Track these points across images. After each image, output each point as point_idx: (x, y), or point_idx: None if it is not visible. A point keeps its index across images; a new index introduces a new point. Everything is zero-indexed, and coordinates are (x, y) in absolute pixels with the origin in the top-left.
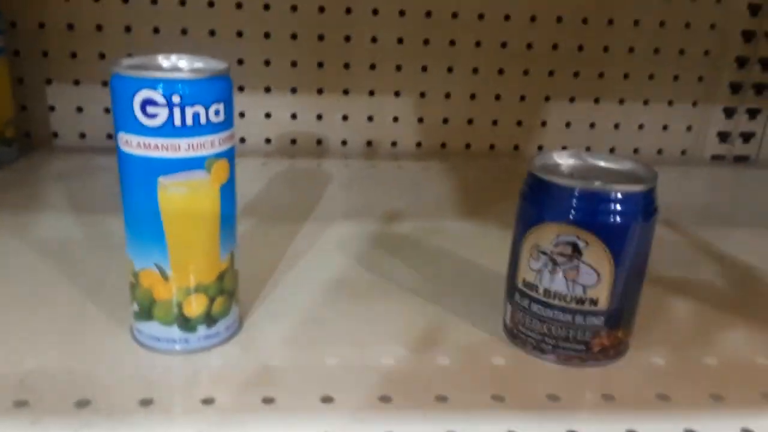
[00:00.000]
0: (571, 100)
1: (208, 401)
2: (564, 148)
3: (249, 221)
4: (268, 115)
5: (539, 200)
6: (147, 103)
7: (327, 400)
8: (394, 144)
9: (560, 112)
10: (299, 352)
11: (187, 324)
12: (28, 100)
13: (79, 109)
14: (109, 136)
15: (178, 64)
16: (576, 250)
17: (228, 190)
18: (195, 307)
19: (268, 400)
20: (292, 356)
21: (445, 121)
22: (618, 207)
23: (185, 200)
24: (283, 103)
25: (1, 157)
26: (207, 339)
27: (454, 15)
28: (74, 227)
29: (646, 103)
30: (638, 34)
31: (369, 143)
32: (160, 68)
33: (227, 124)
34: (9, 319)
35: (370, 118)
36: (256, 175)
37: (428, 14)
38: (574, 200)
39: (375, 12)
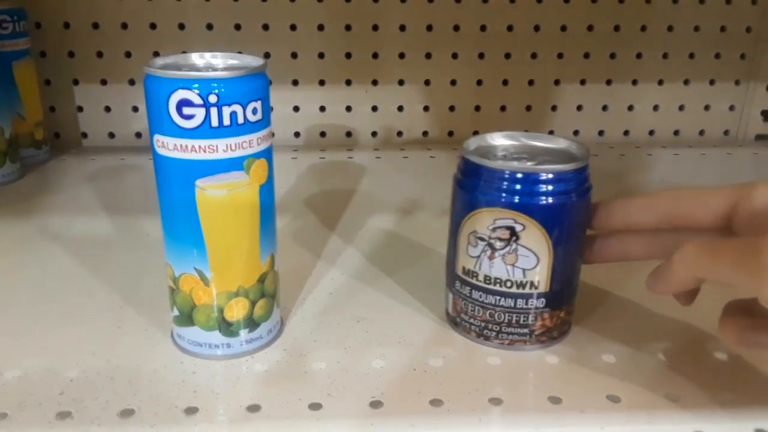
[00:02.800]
0: (608, 82)
1: (253, 408)
2: (498, 130)
3: (283, 218)
4: (296, 109)
5: (473, 185)
6: (183, 103)
7: (376, 404)
8: (425, 134)
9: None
10: (344, 354)
11: (228, 328)
12: (57, 101)
13: (107, 109)
14: (138, 135)
15: (213, 62)
16: (513, 234)
17: (267, 191)
18: (236, 311)
19: (315, 406)
20: (337, 359)
21: (477, 108)
22: (550, 187)
23: (225, 203)
24: (312, 95)
25: (32, 159)
26: (249, 343)
27: (485, 0)
28: (109, 229)
29: (686, 83)
30: (678, 13)
31: (399, 133)
32: (194, 67)
33: (265, 122)
34: (47, 326)
35: (400, 108)
36: (286, 170)
37: (458, 0)
38: (507, 183)
39: (403, 0)
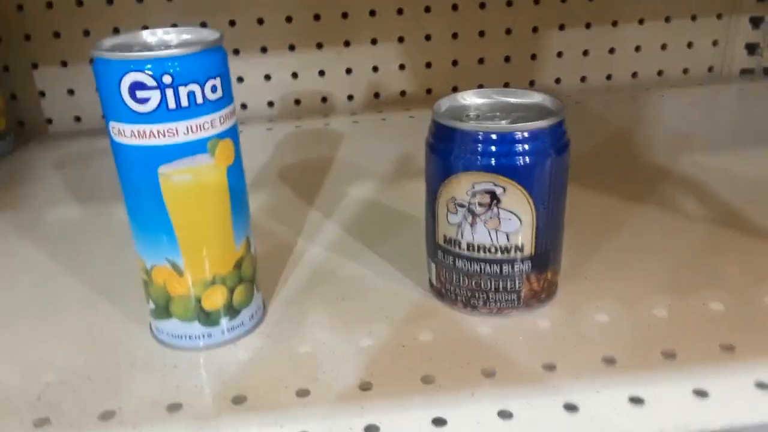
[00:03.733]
0: (587, 26)
1: (238, 399)
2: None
3: (259, 195)
4: (267, 77)
5: (448, 149)
6: (136, 86)
7: (366, 386)
8: (402, 93)
9: (574, 40)
10: (330, 335)
11: (208, 318)
12: (17, 87)
13: (71, 92)
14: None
15: (165, 38)
16: (494, 198)
17: (236, 171)
18: (214, 299)
19: (302, 393)
20: (323, 340)
21: (455, 63)
22: (528, 146)
23: (191, 188)
24: (282, 62)
25: None
26: (231, 331)
27: None
28: (79, 219)
29: (667, 20)
30: None
31: (376, 95)
32: (145, 46)
33: (226, 100)
34: (20, 326)
35: (375, 69)
36: (262, 143)
37: None
38: (483, 145)
39: None
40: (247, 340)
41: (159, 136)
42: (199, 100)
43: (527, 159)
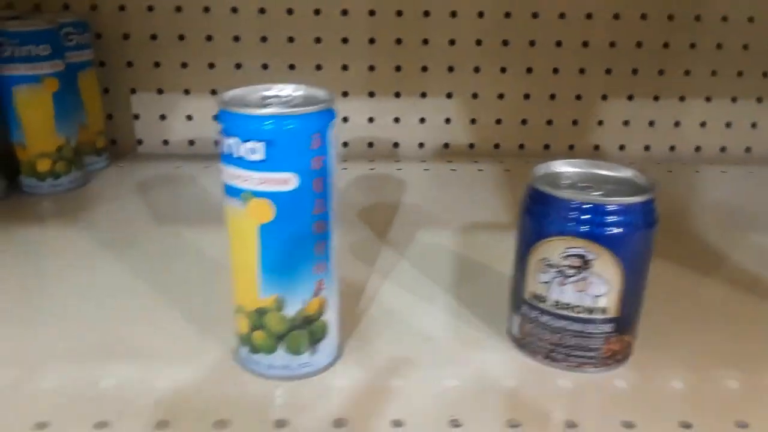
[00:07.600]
0: (655, 98)
1: (339, 423)
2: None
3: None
4: (345, 119)
5: (544, 214)
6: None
7: (456, 423)
8: (471, 146)
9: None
10: (417, 372)
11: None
12: (114, 108)
13: (162, 117)
14: (191, 143)
15: (263, 94)
16: (585, 262)
17: (273, 232)
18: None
19: (397, 423)
20: (410, 376)
21: (524, 122)
22: (625, 218)
23: (230, 224)
24: (361, 107)
25: (92, 166)
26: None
27: (534, 15)
28: (169, 242)
29: (734, 100)
30: (727, 30)
31: (446, 145)
32: (243, 100)
33: (273, 165)
34: (127, 335)
35: (447, 120)
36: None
37: (507, 15)
38: (581, 213)
39: (453, 14)
40: (341, 372)
41: (223, 175)
42: (236, 154)
43: (622, 230)
